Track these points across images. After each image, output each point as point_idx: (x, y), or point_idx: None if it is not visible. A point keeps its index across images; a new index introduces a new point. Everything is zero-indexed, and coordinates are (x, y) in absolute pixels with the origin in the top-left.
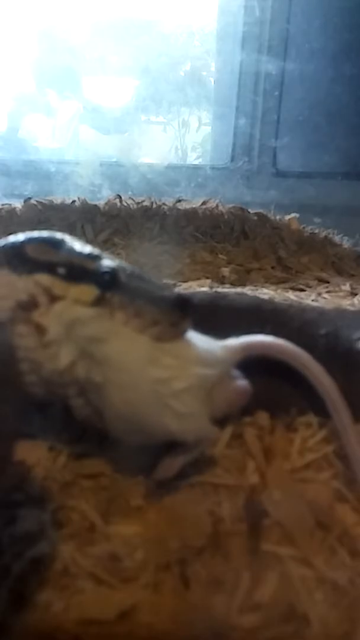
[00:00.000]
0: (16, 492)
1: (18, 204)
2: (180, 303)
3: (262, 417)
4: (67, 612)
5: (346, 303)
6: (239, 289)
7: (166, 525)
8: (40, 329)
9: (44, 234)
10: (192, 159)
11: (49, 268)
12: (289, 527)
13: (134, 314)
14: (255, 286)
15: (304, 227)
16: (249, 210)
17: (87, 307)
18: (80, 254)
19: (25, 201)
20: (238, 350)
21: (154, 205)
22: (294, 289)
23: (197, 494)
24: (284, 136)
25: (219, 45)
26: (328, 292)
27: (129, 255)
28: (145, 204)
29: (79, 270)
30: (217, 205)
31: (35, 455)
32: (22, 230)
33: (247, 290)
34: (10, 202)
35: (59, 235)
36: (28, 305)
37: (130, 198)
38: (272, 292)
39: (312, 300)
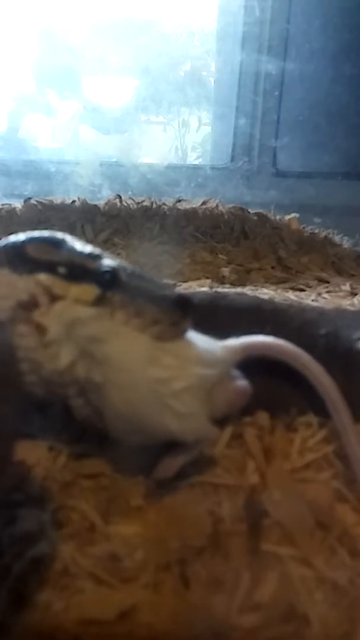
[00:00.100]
0: (16, 492)
1: (18, 204)
2: (181, 302)
3: (262, 417)
4: (67, 612)
5: (346, 303)
6: (239, 289)
7: (166, 525)
8: (40, 329)
9: (45, 233)
10: (192, 159)
11: (50, 268)
12: (289, 527)
13: (134, 314)
14: (255, 286)
15: (304, 227)
16: (249, 210)
17: (88, 307)
18: (81, 253)
19: (25, 201)
20: (238, 351)
21: (154, 205)
22: (294, 289)
23: (197, 494)
24: (284, 136)
25: (219, 45)
26: (328, 292)
27: (129, 255)
28: (145, 204)
29: (79, 270)
30: (217, 205)
31: (35, 455)
32: (22, 230)
33: (247, 290)
34: (10, 202)
35: (59, 235)
36: (28, 305)
37: (130, 198)
38: (272, 292)
39: (312, 300)
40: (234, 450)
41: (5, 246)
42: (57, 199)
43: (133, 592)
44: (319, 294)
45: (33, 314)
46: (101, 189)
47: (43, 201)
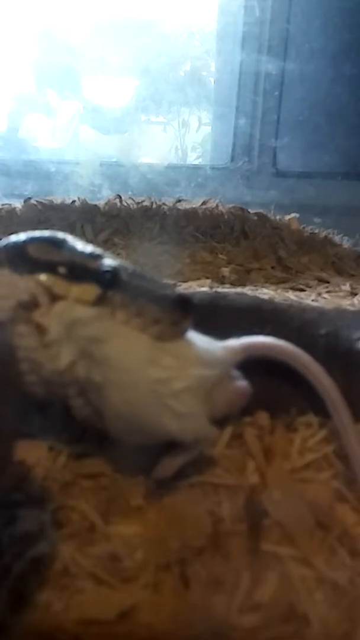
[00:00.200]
0: (16, 492)
1: (18, 204)
2: (182, 302)
3: (262, 417)
4: (67, 612)
5: (346, 303)
6: (239, 289)
7: (166, 525)
8: (40, 329)
9: (46, 233)
10: (192, 159)
11: (51, 268)
12: (289, 527)
13: (135, 313)
14: (255, 286)
15: (304, 227)
16: (249, 210)
17: (88, 307)
18: (81, 253)
19: (25, 201)
20: (238, 351)
21: (154, 205)
22: (294, 289)
23: (197, 494)
24: (284, 136)
25: (219, 45)
26: (328, 292)
27: (129, 255)
28: (145, 204)
29: (80, 270)
30: (217, 205)
31: (35, 455)
32: (22, 230)
33: (247, 290)
34: (10, 202)
35: (60, 234)
36: (29, 305)
37: (130, 198)
38: (272, 292)
39: (312, 300)
40: (234, 450)
41: (6, 246)
42: (57, 199)
43: (133, 592)
44: (319, 294)
45: (33, 314)
46: (101, 189)
47: (43, 201)
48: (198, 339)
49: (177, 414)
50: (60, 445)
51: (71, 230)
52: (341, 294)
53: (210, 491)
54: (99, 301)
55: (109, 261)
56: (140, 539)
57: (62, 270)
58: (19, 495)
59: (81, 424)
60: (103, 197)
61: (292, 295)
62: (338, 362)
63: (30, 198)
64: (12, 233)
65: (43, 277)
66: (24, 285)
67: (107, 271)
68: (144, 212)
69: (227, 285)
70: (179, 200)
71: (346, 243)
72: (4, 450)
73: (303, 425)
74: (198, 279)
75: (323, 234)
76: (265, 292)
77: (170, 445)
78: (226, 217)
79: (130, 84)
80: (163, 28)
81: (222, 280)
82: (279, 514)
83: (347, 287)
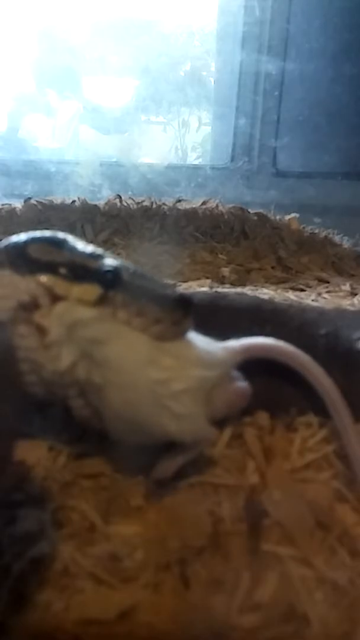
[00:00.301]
0: (16, 492)
1: (18, 204)
2: (183, 302)
3: (262, 417)
4: (67, 612)
5: (346, 303)
6: (239, 289)
7: (166, 525)
8: (41, 330)
9: (46, 233)
10: (192, 159)
11: (51, 268)
12: (289, 527)
13: (136, 313)
14: (255, 286)
15: (304, 227)
16: (249, 210)
17: (88, 308)
18: (82, 253)
19: (25, 201)
20: (238, 352)
21: (154, 205)
22: (294, 289)
23: (197, 494)
24: (284, 136)
25: (219, 45)
26: (328, 292)
27: (129, 255)
28: (145, 204)
29: (81, 270)
30: (217, 205)
31: (35, 455)
32: (22, 230)
33: (247, 290)
34: (10, 202)
35: (61, 235)
36: (29, 306)
37: (130, 198)
38: (272, 292)
39: (312, 300)
40: (234, 450)
41: (6, 246)
42: (57, 199)
43: (133, 592)
44: (319, 294)
45: (34, 315)
46: (101, 189)
47: (43, 201)
48: (198, 340)
49: (177, 415)
50: (60, 445)
51: (71, 230)
52: (341, 294)
53: (210, 491)
54: (101, 301)
55: (110, 261)
56: (140, 539)
57: (63, 270)
58: (19, 495)
59: (81, 424)
60: (103, 197)
61: (292, 295)
62: (338, 362)
63: (30, 198)
64: (12, 233)
65: (44, 277)
66: (24, 285)
67: (108, 271)
68: (144, 212)
69: (227, 285)
70: (179, 200)
71: (346, 243)
72: (4, 450)
73: (303, 425)
74: (198, 279)
75: (323, 234)
76: (265, 292)
77: (170, 446)
78: (226, 217)
79: (130, 84)
80: (163, 28)
81: (222, 280)
82: (279, 514)
83: (347, 287)
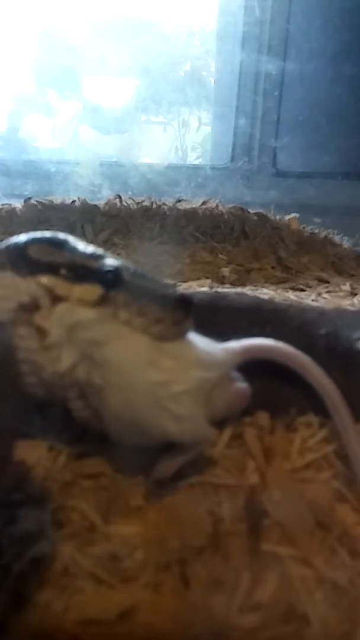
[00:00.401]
0: (16, 492)
1: (18, 204)
2: (183, 302)
3: (262, 417)
4: (67, 612)
5: (346, 303)
6: (239, 289)
7: (166, 525)
8: (41, 332)
9: (47, 234)
10: (192, 159)
11: (52, 269)
12: (289, 527)
13: (137, 313)
14: (255, 286)
15: (304, 227)
16: (249, 210)
17: (88, 310)
18: (83, 253)
19: (25, 201)
20: (238, 353)
21: (154, 205)
22: (294, 289)
23: (197, 494)
24: (284, 136)
25: (219, 45)
26: (328, 292)
27: (129, 255)
28: (145, 204)
29: (82, 270)
30: (217, 205)
31: (35, 455)
32: (22, 230)
33: (247, 290)
34: (10, 202)
35: (61, 235)
36: (30, 307)
37: (130, 198)
38: (272, 292)
39: (312, 300)
40: (234, 450)
41: (7, 247)
42: (57, 199)
43: (133, 592)
44: (319, 294)
45: (34, 316)
46: (101, 189)
47: (43, 201)
48: (198, 341)
49: (176, 416)
50: (60, 445)
51: (71, 230)
52: (341, 294)
53: (210, 491)
54: (102, 301)
55: (110, 261)
56: (140, 539)
57: (63, 271)
58: (19, 495)
59: (81, 425)
60: (103, 197)
61: (292, 295)
62: (338, 362)
63: (30, 198)
64: (12, 233)
65: (44, 278)
66: (25, 287)
67: (109, 271)
68: (144, 212)
69: (227, 285)
70: (179, 200)
71: (346, 243)
72: (4, 450)
73: (303, 425)
74: (198, 279)
75: (323, 234)
76: (265, 292)
77: (170, 446)
78: (226, 217)
79: (130, 84)
80: (163, 28)
81: (222, 280)
82: (279, 514)
83: (347, 287)
